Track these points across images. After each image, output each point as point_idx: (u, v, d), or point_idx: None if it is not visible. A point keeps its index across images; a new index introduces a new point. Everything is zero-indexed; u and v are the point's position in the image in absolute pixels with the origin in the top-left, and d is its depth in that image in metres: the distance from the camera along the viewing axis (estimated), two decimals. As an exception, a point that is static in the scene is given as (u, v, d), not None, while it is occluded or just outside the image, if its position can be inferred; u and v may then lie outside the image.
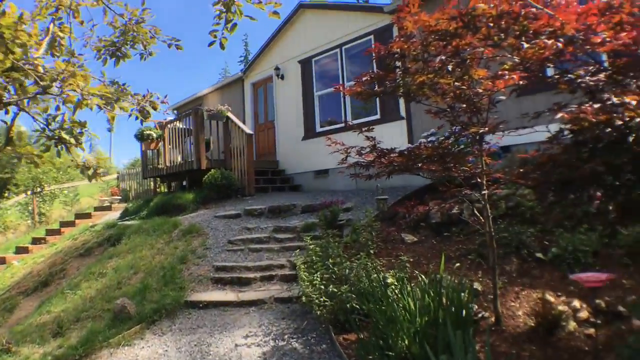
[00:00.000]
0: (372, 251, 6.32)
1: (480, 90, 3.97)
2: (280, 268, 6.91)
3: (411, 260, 6.25)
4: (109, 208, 17.73)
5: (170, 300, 6.32)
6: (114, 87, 3.48)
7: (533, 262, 5.65)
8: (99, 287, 7.69)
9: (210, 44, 3.42)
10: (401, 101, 10.82)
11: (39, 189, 20.30)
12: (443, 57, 3.73)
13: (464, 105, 4.26)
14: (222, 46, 3.47)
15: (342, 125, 12.29)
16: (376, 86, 5.02)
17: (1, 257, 14.40)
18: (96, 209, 18.29)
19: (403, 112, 10.85)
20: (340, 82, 12.42)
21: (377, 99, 11.24)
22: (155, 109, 3.47)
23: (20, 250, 14.85)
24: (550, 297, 4.77)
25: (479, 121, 4.29)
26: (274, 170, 13.98)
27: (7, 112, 3.06)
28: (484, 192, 4.45)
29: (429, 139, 8.62)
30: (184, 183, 14.30)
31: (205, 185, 11.72)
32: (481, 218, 4.72)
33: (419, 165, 4.76)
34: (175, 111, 20.32)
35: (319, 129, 13.08)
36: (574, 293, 4.89)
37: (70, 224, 16.06)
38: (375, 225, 7.14)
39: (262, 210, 9.69)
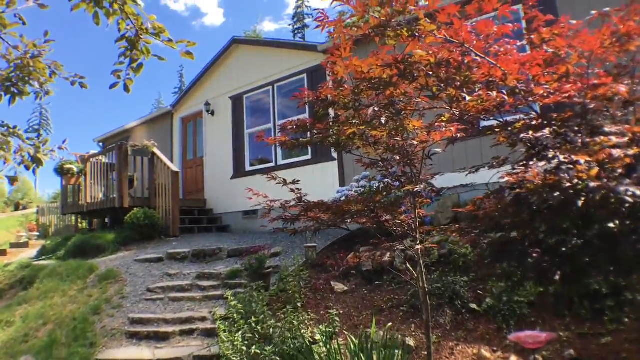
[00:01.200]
0: (299, 304, 5.89)
1: (415, 142, 3.69)
2: (201, 321, 6.36)
3: (341, 312, 5.91)
4: (25, 245, 16.62)
5: (79, 358, 5.68)
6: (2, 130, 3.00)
7: (467, 313, 5.41)
8: (4, 339, 6.90)
9: (113, 85, 2.95)
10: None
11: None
12: (376, 109, 3.43)
13: (397, 157, 3.97)
14: (126, 89, 3.00)
15: (273, 164, 11.95)
16: (306, 133, 4.65)
17: None
18: (12, 245, 17.05)
19: (335, 154, 10.59)
20: (272, 119, 12.12)
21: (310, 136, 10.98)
22: (38, 162, 2.99)
23: None
24: (486, 353, 4.53)
25: (412, 174, 4.01)
26: (201, 209, 13.40)
27: None
28: (417, 247, 4.15)
29: (360, 183, 8.38)
30: (107, 220, 13.53)
31: (127, 225, 11.02)
32: (414, 272, 4.42)
33: (348, 220, 4.42)
34: (101, 143, 19.50)
35: (249, 168, 12.66)
36: (511, 348, 4.65)
37: None
38: (304, 274, 6.76)
39: (186, 254, 9.11)
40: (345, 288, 6.67)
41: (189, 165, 14.97)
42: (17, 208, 43.74)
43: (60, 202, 15.42)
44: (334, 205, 4.48)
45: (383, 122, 3.46)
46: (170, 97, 75.93)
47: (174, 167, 11.60)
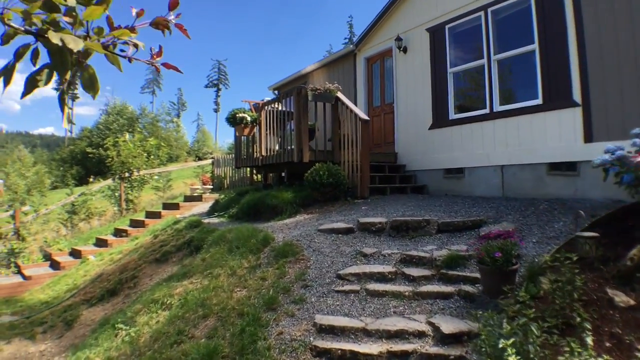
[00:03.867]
0: (589, 338, 3.65)
1: None
2: (418, 338, 4.42)
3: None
4: (199, 198, 16.36)
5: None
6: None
7: None
8: (156, 330, 5.72)
9: None
10: (575, 77, 7.99)
11: (127, 174, 19.07)
12: None
13: None
14: None
15: (486, 111, 9.61)
16: None
17: (78, 250, 13.59)
18: (186, 198, 17.14)
19: (577, 95, 7.97)
20: (485, 54, 9.69)
21: (539, 71, 8.51)
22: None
23: (100, 242, 14.02)
24: None
25: None
26: (392, 165, 11.52)
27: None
28: None
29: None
30: (283, 174, 12.26)
31: (307, 183, 9.52)
32: None
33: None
34: (275, 91, 18.45)
35: (452, 116, 10.45)
36: None
37: (156, 215, 15.05)
38: (578, 281, 4.44)
39: (382, 225, 7.27)
40: (631, 301, 4.31)
41: (375, 113, 13.12)
42: (199, 158, 45.71)
43: (234, 154, 14.50)
44: None
45: None
46: (340, 47, 75.26)
47: (363, 115, 9.77)
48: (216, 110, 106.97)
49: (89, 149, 49.68)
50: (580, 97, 7.95)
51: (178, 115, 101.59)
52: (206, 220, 11.06)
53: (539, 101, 8.63)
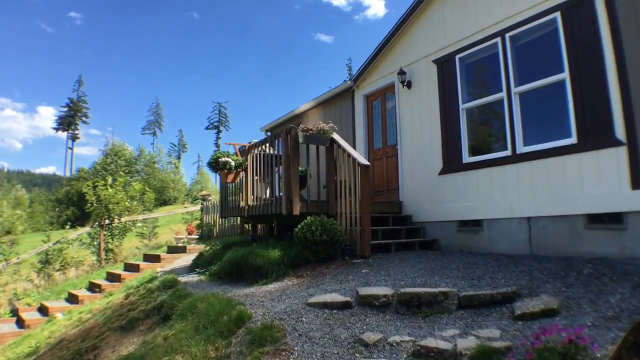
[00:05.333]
0: None
1: None
2: None
3: None
4: (183, 250, 15.17)
5: None
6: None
7: None
8: None
9: None
10: (616, 110, 6.68)
11: (107, 221, 17.82)
12: None
13: None
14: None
15: (507, 153, 8.28)
16: None
17: (46, 306, 12.55)
18: (169, 249, 15.86)
19: (621, 132, 6.64)
20: (504, 86, 8.42)
21: (572, 105, 7.22)
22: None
23: (72, 298, 12.96)
24: None
25: None
26: (397, 216, 10.08)
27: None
28: None
29: None
30: (274, 224, 10.98)
31: (297, 241, 8.14)
32: None
33: None
34: (268, 133, 17.25)
35: (466, 159, 9.10)
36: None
37: (135, 268, 13.83)
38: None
39: (388, 299, 5.80)
40: None
41: (376, 156, 11.78)
42: (196, 200, 44.67)
43: (219, 202, 13.23)
44: None
45: None
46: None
47: (362, 159, 8.44)
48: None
49: (85, 189, 48.84)
50: (625, 134, 6.62)
51: (179, 157, 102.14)
52: (184, 279, 9.83)
53: (572, 140, 7.29)
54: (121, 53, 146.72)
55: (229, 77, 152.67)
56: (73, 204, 52.19)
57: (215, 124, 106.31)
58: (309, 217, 8.15)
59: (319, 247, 7.91)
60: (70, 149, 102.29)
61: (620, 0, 6.81)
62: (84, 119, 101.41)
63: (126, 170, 50.75)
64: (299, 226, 8.07)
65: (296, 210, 8.63)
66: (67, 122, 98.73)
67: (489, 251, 8.34)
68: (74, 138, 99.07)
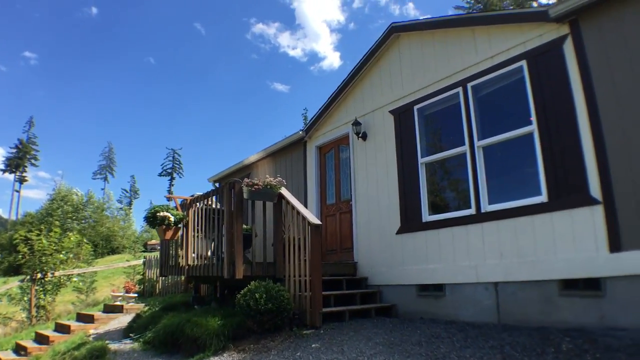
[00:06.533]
0: None
1: None
2: None
3: None
4: (120, 309, 13.93)
5: None
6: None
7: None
8: None
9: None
10: (590, 166, 6.18)
11: (39, 275, 16.52)
12: None
13: None
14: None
15: (471, 211, 7.68)
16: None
17: None
18: (105, 308, 14.58)
19: (596, 189, 6.11)
20: (466, 139, 7.89)
21: (541, 159, 6.70)
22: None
23: None
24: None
25: None
26: (351, 278, 9.26)
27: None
28: None
29: None
30: (218, 284, 10.21)
31: (240, 309, 7.21)
32: None
33: None
34: (216, 184, 16.37)
35: (427, 218, 8.45)
36: None
37: (65, 329, 12.37)
38: None
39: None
40: None
41: (329, 211, 11.02)
42: (145, 248, 42.96)
43: (159, 259, 12.22)
44: None
45: None
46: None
47: (313, 218, 7.67)
48: (169, 199, 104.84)
49: (16, 239, 46.63)
50: (601, 191, 6.11)
51: (130, 203, 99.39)
52: (115, 347, 8.77)
53: (542, 198, 6.74)
54: (76, 95, 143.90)
55: (185, 124, 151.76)
56: (16, 250, 49.69)
57: (169, 170, 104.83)
58: (253, 282, 7.28)
59: (264, 317, 7.01)
60: (17, 191, 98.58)
61: (591, 47, 6.40)
62: (33, 161, 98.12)
63: (73, 217, 48.70)
64: (242, 292, 7.19)
65: (239, 274, 7.74)
66: (15, 163, 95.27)
67: (453, 319, 7.60)
68: (21, 180, 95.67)
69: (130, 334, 9.71)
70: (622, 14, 6.22)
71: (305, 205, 10.88)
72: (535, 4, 35.99)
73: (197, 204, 9.64)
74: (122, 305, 14.14)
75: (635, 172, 5.85)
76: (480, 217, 7.49)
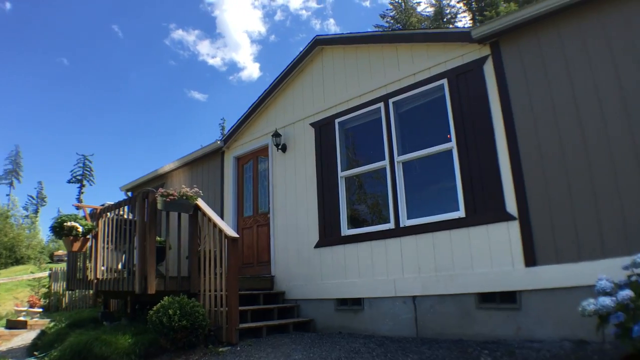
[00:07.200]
0: None
1: None
2: None
3: None
4: (23, 325, 13.28)
5: None
6: None
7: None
8: None
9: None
10: (507, 183, 6.40)
11: None
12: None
13: None
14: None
15: (390, 226, 7.72)
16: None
17: None
18: (8, 323, 13.74)
19: (512, 206, 6.30)
20: (387, 154, 7.95)
21: (459, 176, 6.84)
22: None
23: None
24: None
25: None
26: (268, 293, 9.06)
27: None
28: None
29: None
30: (129, 299, 9.63)
31: (152, 326, 6.84)
32: None
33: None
34: (129, 193, 15.67)
35: (346, 232, 8.42)
36: None
37: None
38: None
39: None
40: None
41: (246, 224, 10.77)
42: (52, 259, 40.88)
43: (66, 272, 11.51)
44: None
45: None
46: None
47: (230, 231, 7.45)
48: (78, 208, 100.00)
49: None
50: (516, 208, 6.31)
51: (36, 211, 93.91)
52: None
53: (460, 213, 6.87)
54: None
55: (97, 130, 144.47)
56: None
57: (79, 177, 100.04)
58: (166, 297, 6.95)
59: (178, 334, 6.69)
60: None
61: (510, 68, 6.62)
62: None
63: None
64: (154, 309, 6.83)
65: (151, 289, 7.36)
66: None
67: (372, 333, 7.58)
68: None
69: (35, 352, 9.11)
70: (540, 37, 6.49)
71: (222, 217, 10.61)
72: (451, 27, 37.37)
73: (108, 213, 9.15)
74: (26, 321, 13.40)
75: (550, 189, 6.07)
76: (399, 232, 7.54)
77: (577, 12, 6.22)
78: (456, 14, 45.91)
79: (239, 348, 6.93)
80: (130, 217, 8.90)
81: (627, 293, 3.78)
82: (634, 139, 5.56)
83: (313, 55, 9.71)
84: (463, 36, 7.16)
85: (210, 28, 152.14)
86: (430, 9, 47.17)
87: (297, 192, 9.45)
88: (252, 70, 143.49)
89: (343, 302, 8.24)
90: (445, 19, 44.80)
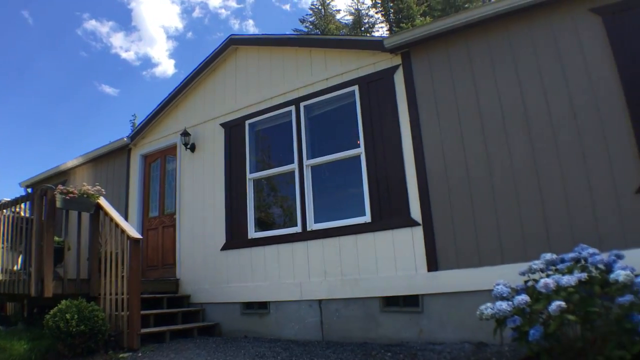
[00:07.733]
0: None
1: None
2: None
3: None
4: None
5: None
6: None
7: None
8: None
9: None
10: (412, 190, 6.64)
11: None
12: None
13: None
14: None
15: (297, 229, 7.74)
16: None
17: None
18: None
19: (416, 212, 6.49)
20: (297, 157, 7.95)
21: (366, 181, 6.99)
22: None
23: None
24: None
25: None
26: (173, 297, 8.83)
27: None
28: None
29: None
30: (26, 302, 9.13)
31: (49, 331, 6.51)
32: None
33: None
34: (29, 189, 14.80)
35: (253, 234, 8.37)
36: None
37: None
38: None
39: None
40: None
41: (151, 225, 10.46)
42: None
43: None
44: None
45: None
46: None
47: (133, 232, 7.21)
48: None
49: None
50: (420, 214, 6.52)
51: None
52: None
53: (366, 218, 7.00)
54: None
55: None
56: None
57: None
58: (64, 301, 6.62)
59: (76, 339, 6.38)
60: None
61: (419, 79, 6.81)
62: None
63: None
64: (51, 313, 6.49)
65: (48, 292, 7.00)
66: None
67: (277, 337, 7.57)
68: None
69: None
70: (449, 51, 6.74)
71: (127, 218, 10.25)
72: (368, 35, 38.04)
73: (4, 211, 8.62)
74: None
75: (453, 197, 6.30)
76: (306, 235, 7.57)
77: (484, 30, 6.51)
78: (374, 24, 46.61)
79: (140, 354, 6.72)
80: (28, 214, 8.45)
81: (523, 298, 3.96)
82: (534, 153, 5.88)
83: (227, 55, 9.58)
84: (376, 45, 7.30)
85: (125, 20, 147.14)
86: (350, 17, 47.64)
87: (204, 193, 9.28)
88: (166, 66, 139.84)
89: (249, 306, 8.18)
90: (363, 28, 45.42)
